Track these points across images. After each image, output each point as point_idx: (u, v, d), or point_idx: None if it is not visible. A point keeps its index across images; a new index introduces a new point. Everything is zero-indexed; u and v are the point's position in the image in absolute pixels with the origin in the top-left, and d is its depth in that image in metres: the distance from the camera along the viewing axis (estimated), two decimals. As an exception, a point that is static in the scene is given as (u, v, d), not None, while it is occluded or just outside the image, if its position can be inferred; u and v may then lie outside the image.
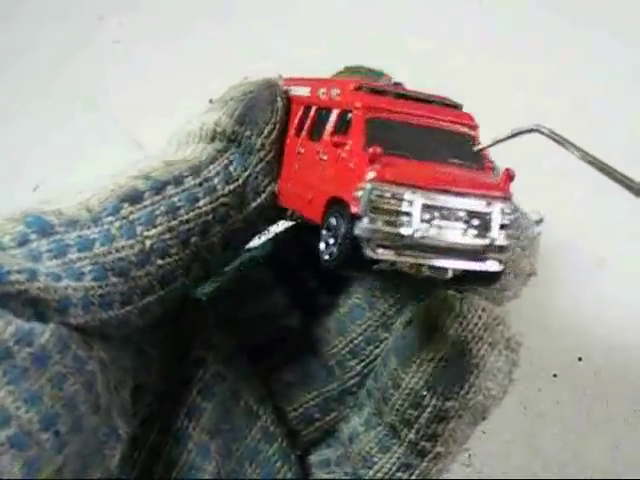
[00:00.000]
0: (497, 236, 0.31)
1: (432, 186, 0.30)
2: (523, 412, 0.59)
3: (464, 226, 0.30)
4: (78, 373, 0.31)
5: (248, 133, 0.35)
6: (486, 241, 0.31)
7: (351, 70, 0.40)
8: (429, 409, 0.33)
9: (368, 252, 0.29)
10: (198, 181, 0.34)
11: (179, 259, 0.33)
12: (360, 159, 0.30)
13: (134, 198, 0.33)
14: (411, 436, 0.34)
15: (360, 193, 0.29)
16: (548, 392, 0.60)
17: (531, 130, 0.30)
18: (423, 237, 0.30)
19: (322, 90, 0.34)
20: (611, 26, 0.68)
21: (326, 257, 0.30)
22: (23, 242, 0.31)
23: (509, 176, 0.31)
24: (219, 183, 0.34)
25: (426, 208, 0.30)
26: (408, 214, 0.29)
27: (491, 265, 0.31)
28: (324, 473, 0.38)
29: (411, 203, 0.29)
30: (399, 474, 0.35)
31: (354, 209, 0.29)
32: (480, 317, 0.32)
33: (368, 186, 0.29)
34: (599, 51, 0.67)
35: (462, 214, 0.30)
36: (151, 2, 0.78)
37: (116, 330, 0.33)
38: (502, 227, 0.31)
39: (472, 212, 0.31)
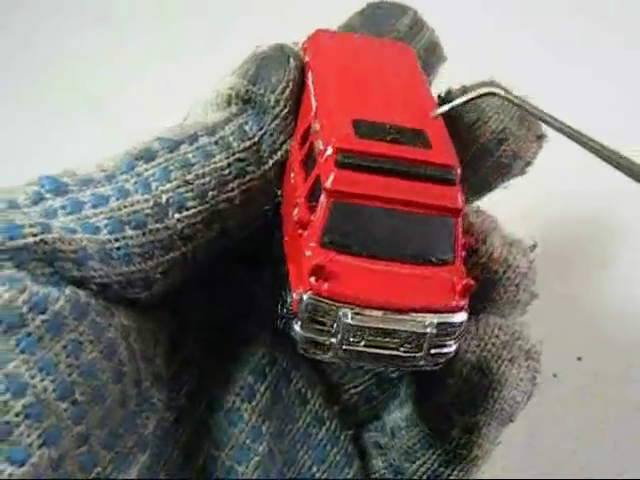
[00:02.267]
0: (430, 353, 0.30)
1: (369, 304, 0.29)
2: (523, 412, 0.59)
3: (397, 343, 0.30)
4: (97, 341, 0.30)
5: (262, 91, 0.35)
6: (420, 354, 0.30)
7: (374, 7, 0.40)
8: (459, 423, 0.34)
9: (300, 351, 0.30)
10: (213, 140, 0.34)
11: (197, 213, 0.33)
12: (308, 262, 0.29)
13: (148, 156, 0.33)
14: (446, 445, 0.34)
15: (297, 298, 0.29)
16: (548, 392, 0.60)
17: (487, 93, 0.30)
18: (352, 350, 0.30)
19: (316, 125, 0.33)
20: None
21: (279, 324, 0.33)
22: (37, 200, 0.31)
23: (466, 287, 0.30)
24: (234, 141, 0.34)
25: (358, 327, 0.30)
26: (339, 328, 0.29)
27: (428, 364, 0.31)
28: (378, 454, 0.38)
29: (344, 319, 0.29)
30: (441, 469, 0.35)
31: (294, 307, 0.30)
32: (497, 336, 0.33)
33: (304, 297, 0.29)
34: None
35: (395, 335, 0.30)
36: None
37: (141, 291, 0.33)
38: (438, 345, 0.30)
39: (406, 332, 0.30)
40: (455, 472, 0.35)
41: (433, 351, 0.30)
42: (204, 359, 0.36)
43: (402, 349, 0.30)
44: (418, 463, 0.35)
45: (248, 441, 0.35)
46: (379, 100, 0.33)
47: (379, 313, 0.29)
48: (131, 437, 0.32)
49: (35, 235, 0.29)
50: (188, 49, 0.74)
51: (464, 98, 0.31)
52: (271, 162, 0.34)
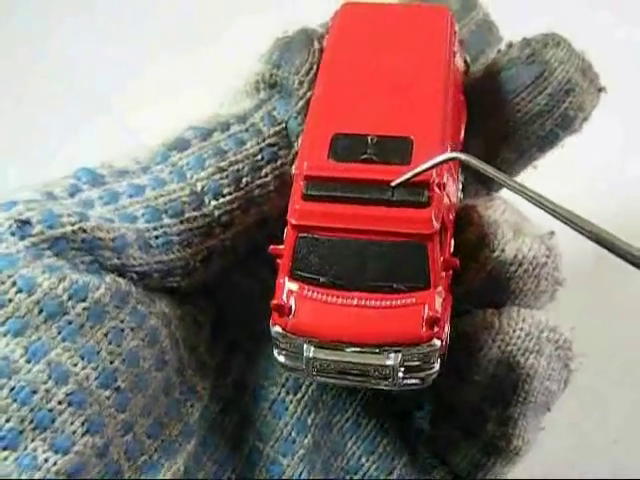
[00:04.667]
0: (402, 382, 0.30)
1: (330, 339, 0.29)
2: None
3: (363, 373, 0.30)
4: (138, 328, 0.30)
5: (285, 74, 0.35)
6: (391, 381, 0.30)
7: None
8: (492, 417, 0.33)
9: (281, 370, 0.31)
10: (244, 127, 0.34)
11: (233, 199, 0.33)
12: (275, 296, 0.30)
13: (182, 146, 0.33)
14: (483, 437, 0.34)
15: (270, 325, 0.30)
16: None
17: (451, 158, 0.29)
18: (324, 376, 0.30)
19: (298, 142, 0.33)
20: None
21: None
22: (74, 192, 0.31)
23: (428, 320, 0.29)
24: (264, 126, 0.34)
25: (320, 360, 0.30)
26: (304, 360, 0.30)
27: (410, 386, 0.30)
28: (423, 444, 0.37)
29: (306, 352, 0.30)
30: (484, 459, 0.35)
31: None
32: (522, 329, 0.32)
33: (272, 328, 0.30)
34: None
35: (360, 366, 0.30)
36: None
37: (181, 279, 0.33)
38: (405, 372, 0.30)
39: (370, 365, 0.29)
40: (498, 462, 0.34)
41: (408, 380, 0.30)
42: (249, 348, 0.36)
43: (371, 379, 0.30)
44: (461, 453, 0.35)
45: (293, 433, 0.35)
46: (378, 95, 0.32)
47: (341, 347, 0.29)
48: (176, 426, 0.31)
49: (73, 224, 0.29)
50: (191, 46, 0.73)
51: (425, 165, 0.29)
52: (297, 145, 0.34)
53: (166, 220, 0.32)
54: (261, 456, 0.35)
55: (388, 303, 0.29)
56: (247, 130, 0.34)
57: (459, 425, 0.34)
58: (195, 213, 0.32)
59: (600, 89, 0.38)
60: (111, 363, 0.29)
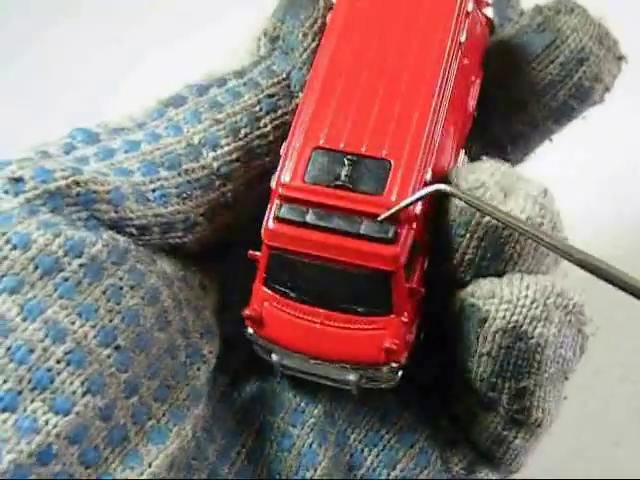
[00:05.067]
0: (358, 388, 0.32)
1: (292, 349, 0.31)
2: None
3: (327, 380, 0.32)
4: (138, 286, 0.29)
5: (290, 29, 0.35)
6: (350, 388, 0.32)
7: None
8: (505, 390, 0.31)
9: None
10: (242, 81, 0.34)
11: (232, 150, 0.32)
12: (253, 299, 0.32)
13: (178, 102, 0.33)
14: (501, 412, 0.32)
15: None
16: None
17: (437, 191, 0.29)
18: (290, 374, 0.32)
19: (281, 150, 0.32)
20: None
21: None
22: (69, 150, 0.31)
23: (387, 347, 0.30)
24: (263, 80, 0.34)
25: (285, 365, 0.32)
26: (274, 362, 0.32)
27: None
28: (445, 415, 0.35)
29: (273, 357, 0.32)
30: (505, 432, 0.33)
31: None
32: (526, 296, 0.30)
33: (247, 331, 0.32)
34: None
35: (321, 376, 0.32)
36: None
37: (183, 235, 0.32)
38: (366, 382, 0.31)
39: (329, 378, 0.31)
40: (520, 435, 0.33)
41: (369, 386, 0.31)
42: None
43: (335, 384, 0.32)
44: (481, 428, 0.33)
45: (303, 404, 0.34)
46: (367, 101, 0.31)
47: (303, 357, 0.31)
48: (184, 389, 0.30)
49: (66, 178, 0.28)
50: (184, 46, 0.73)
51: (412, 198, 0.29)
52: (301, 95, 0.33)
53: (163, 173, 0.31)
54: (272, 428, 0.34)
55: (351, 325, 0.30)
56: (245, 84, 0.34)
57: (476, 400, 0.33)
58: (193, 165, 0.32)
59: (620, 57, 0.37)
60: (110, 321, 0.28)
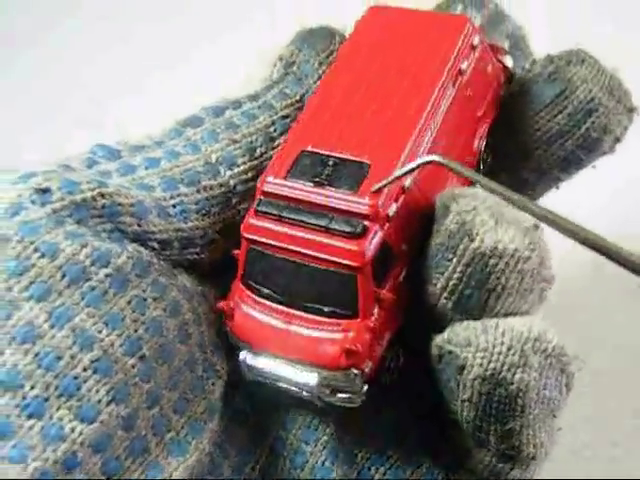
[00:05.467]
0: (320, 398, 0.31)
1: (258, 347, 0.31)
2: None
3: (289, 384, 0.31)
4: (160, 299, 0.29)
5: (306, 57, 0.36)
6: (315, 398, 0.31)
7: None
8: (492, 432, 0.30)
9: None
10: (256, 104, 0.35)
11: (248, 169, 0.34)
12: (230, 294, 0.32)
13: (195, 123, 0.34)
14: (492, 449, 0.32)
15: None
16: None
17: (429, 162, 0.30)
18: (257, 377, 0.32)
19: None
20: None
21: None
22: (91, 165, 0.31)
23: (348, 350, 0.30)
24: (276, 102, 0.35)
25: (248, 365, 0.31)
26: (241, 361, 0.32)
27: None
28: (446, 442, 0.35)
29: (243, 356, 0.32)
30: (499, 467, 0.32)
31: None
32: (502, 343, 0.29)
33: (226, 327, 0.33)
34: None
35: (284, 381, 0.31)
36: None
37: (201, 251, 0.32)
38: (330, 392, 0.31)
39: (291, 381, 0.31)
40: (516, 467, 0.32)
41: (332, 398, 0.31)
42: None
43: (298, 391, 0.31)
44: (476, 461, 0.33)
45: (315, 421, 0.34)
46: (362, 112, 0.33)
47: (268, 356, 0.31)
48: (201, 403, 0.31)
49: (92, 189, 0.29)
50: (187, 52, 0.74)
51: (404, 170, 0.29)
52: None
53: (182, 189, 0.32)
54: (284, 445, 0.34)
55: (316, 326, 0.31)
56: (259, 107, 0.35)
57: (467, 437, 0.32)
58: (211, 182, 0.33)
59: (631, 109, 0.37)
60: (135, 331, 0.28)
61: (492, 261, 0.29)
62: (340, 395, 0.31)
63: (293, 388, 0.31)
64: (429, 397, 0.33)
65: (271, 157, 0.34)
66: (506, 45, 0.37)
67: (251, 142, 0.34)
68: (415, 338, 0.32)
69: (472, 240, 0.30)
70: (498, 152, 0.37)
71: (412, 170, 0.30)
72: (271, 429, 0.34)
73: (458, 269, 0.30)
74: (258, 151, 0.34)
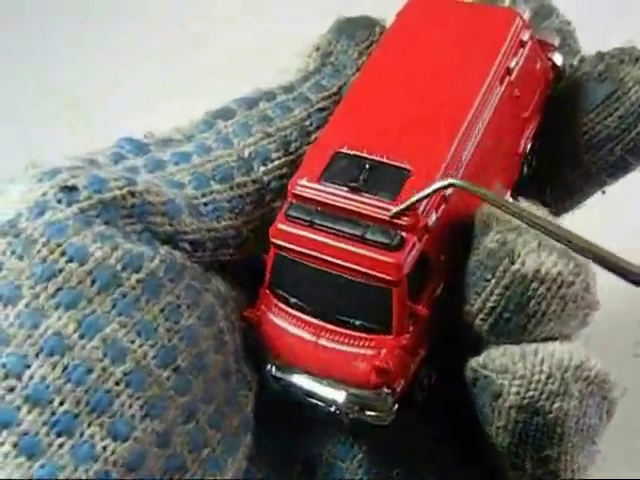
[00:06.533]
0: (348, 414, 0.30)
1: (284, 362, 0.30)
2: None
3: (318, 399, 0.30)
4: (195, 305, 0.27)
5: (344, 47, 0.35)
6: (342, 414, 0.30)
7: None
8: (528, 458, 0.29)
9: None
10: (291, 96, 0.33)
11: (283, 164, 0.32)
12: (257, 302, 0.31)
13: (226, 115, 0.32)
14: (528, 474, 0.30)
15: None
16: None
17: (448, 185, 0.28)
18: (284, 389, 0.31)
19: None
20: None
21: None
22: (118, 160, 0.29)
23: (378, 369, 0.28)
24: (312, 94, 0.33)
25: (276, 378, 0.30)
26: (268, 373, 0.31)
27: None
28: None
29: (269, 369, 0.30)
30: None
31: None
32: (541, 371, 0.28)
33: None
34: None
35: (311, 395, 0.30)
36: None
37: (234, 251, 0.31)
38: (359, 409, 0.29)
39: (320, 396, 0.30)
40: None
41: (362, 415, 0.30)
42: None
43: (326, 407, 0.30)
44: None
45: (350, 437, 0.32)
46: (401, 112, 0.31)
47: (294, 370, 0.30)
48: (235, 416, 0.29)
49: (121, 188, 0.27)
50: (171, 51, 0.73)
51: (423, 193, 0.28)
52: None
53: (215, 186, 0.30)
54: (319, 461, 0.32)
55: (346, 340, 0.29)
56: (294, 99, 0.33)
57: (502, 458, 0.30)
58: (244, 178, 0.31)
59: None
60: (169, 341, 0.26)
61: (533, 285, 0.28)
62: (369, 413, 0.29)
63: (320, 404, 0.30)
64: (463, 415, 0.31)
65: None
66: (556, 41, 0.35)
67: (285, 136, 0.32)
68: (450, 355, 0.30)
69: (513, 262, 0.28)
70: (544, 155, 0.35)
71: (429, 195, 0.28)
72: (303, 444, 0.32)
73: (496, 291, 0.28)
74: (293, 146, 0.32)
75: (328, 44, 0.35)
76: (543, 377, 0.28)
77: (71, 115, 0.70)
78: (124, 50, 0.73)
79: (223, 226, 0.30)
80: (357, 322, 0.29)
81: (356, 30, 0.35)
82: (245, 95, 0.33)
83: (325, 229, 0.29)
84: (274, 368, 0.30)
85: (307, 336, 0.29)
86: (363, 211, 0.28)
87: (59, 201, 0.26)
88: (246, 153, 0.31)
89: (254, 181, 0.31)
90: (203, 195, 0.30)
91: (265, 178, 0.31)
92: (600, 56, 0.35)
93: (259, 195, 0.31)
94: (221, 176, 0.30)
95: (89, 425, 0.24)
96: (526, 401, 0.28)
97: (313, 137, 0.32)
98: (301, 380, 0.30)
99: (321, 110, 0.33)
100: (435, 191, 0.28)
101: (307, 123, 0.33)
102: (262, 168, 0.31)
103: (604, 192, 0.37)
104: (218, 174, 0.30)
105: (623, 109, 0.34)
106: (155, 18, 0.77)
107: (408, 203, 0.28)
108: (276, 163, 0.32)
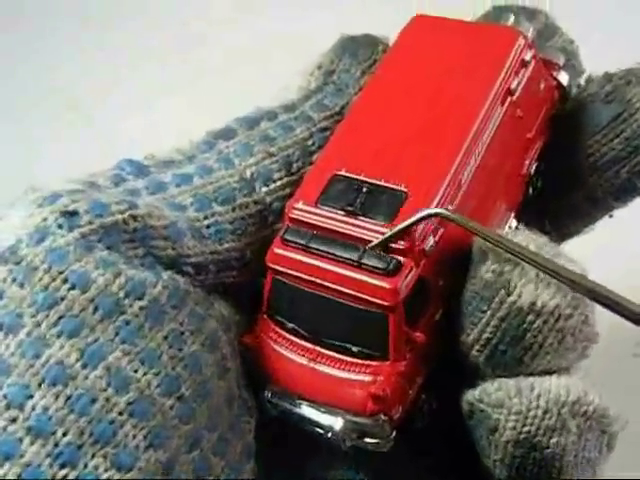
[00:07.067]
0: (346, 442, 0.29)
1: (280, 388, 0.30)
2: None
3: (314, 425, 0.30)
4: (198, 332, 0.27)
5: (346, 66, 0.34)
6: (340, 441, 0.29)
7: (500, 9, 0.36)
8: None
9: None
10: (293, 115, 0.33)
11: (285, 185, 0.31)
12: (254, 327, 0.30)
13: (227, 135, 0.32)
14: None
15: None
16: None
17: (435, 214, 0.27)
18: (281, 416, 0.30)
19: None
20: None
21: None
22: (118, 182, 0.29)
23: (375, 396, 0.28)
24: (314, 113, 0.33)
25: (272, 403, 0.30)
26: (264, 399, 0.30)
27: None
28: None
29: (266, 394, 0.30)
30: None
31: None
32: (538, 406, 0.27)
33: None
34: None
35: (307, 422, 0.30)
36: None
37: (238, 274, 0.30)
38: (357, 436, 0.29)
39: (316, 422, 0.29)
40: None
41: (359, 442, 0.29)
42: None
43: (323, 434, 0.29)
44: None
45: (354, 464, 0.32)
46: (400, 135, 0.30)
47: (291, 396, 0.29)
48: (239, 442, 0.28)
49: (123, 212, 0.27)
50: (171, 51, 0.73)
51: (405, 223, 0.27)
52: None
53: (217, 208, 0.30)
54: None
55: (342, 366, 0.29)
56: (296, 118, 0.33)
57: None
58: (246, 200, 0.31)
59: None
60: (173, 369, 0.26)
61: (530, 317, 0.27)
62: (367, 440, 0.29)
63: (318, 430, 0.29)
64: (465, 442, 0.31)
65: None
66: (561, 60, 0.35)
67: (288, 156, 0.32)
68: (450, 382, 0.30)
69: (509, 293, 0.27)
70: (549, 176, 0.35)
71: (412, 225, 0.27)
72: (308, 469, 0.32)
73: (492, 323, 0.28)
74: (295, 166, 0.32)
75: (330, 62, 0.35)
76: (539, 412, 0.27)
77: (71, 115, 0.70)
78: (124, 50, 0.73)
79: (226, 248, 0.30)
80: (354, 348, 0.29)
81: (359, 48, 0.35)
82: (246, 115, 0.33)
83: (321, 253, 0.28)
84: (270, 394, 0.30)
85: (304, 362, 0.29)
86: (359, 235, 0.28)
87: (60, 226, 0.26)
88: (248, 173, 0.31)
89: (256, 202, 0.31)
90: (205, 217, 0.29)
91: (267, 199, 0.31)
92: (608, 77, 0.35)
93: (261, 216, 0.31)
94: (223, 198, 0.30)
95: (93, 456, 0.24)
96: (522, 436, 0.27)
97: (315, 157, 0.32)
98: (298, 406, 0.29)
99: (323, 130, 0.33)
100: (418, 220, 0.27)
101: (309, 143, 0.32)
102: (264, 189, 0.31)
103: (611, 216, 0.36)
104: (220, 195, 0.30)
105: (630, 131, 0.34)
106: (155, 18, 0.77)
107: (386, 237, 0.27)
108: (278, 183, 0.31)
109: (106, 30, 0.75)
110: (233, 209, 0.30)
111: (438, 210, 0.27)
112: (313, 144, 0.32)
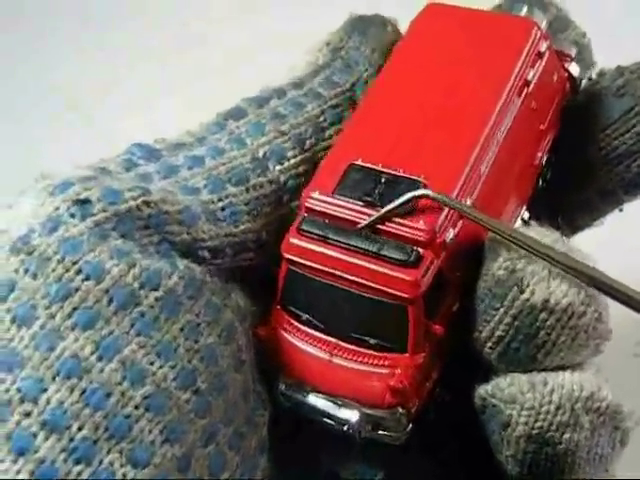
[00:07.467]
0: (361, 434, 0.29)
1: (295, 380, 0.29)
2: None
3: (327, 418, 0.29)
4: (214, 323, 0.26)
5: (356, 43, 0.34)
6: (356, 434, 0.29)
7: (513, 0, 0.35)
8: None
9: None
10: (302, 92, 0.32)
11: (299, 162, 0.31)
12: (269, 319, 0.30)
13: (237, 115, 0.31)
14: None
15: None
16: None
17: (421, 196, 0.27)
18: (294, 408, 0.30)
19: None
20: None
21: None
22: (130, 167, 0.28)
23: (394, 388, 0.27)
24: (324, 90, 0.32)
25: (286, 396, 0.29)
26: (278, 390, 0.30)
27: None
28: None
29: (279, 386, 0.29)
30: None
31: None
32: (551, 402, 0.27)
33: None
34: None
35: (321, 414, 0.29)
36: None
37: (255, 256, 0.30)
38: (372, 428, 0.29)
39: (331, 415, 0.29)
40: None
41: (374, 435, 0.29)
42: None
43: (338, 426, 0.29)
44: None
45: (367, 460, 0.31)
46: (417, 124, 0.30)
47: (307, 388, 0.29)
48: (253, 436, 0.28)
49: (136, 198, 0.26)
50: (171, 51, 0.73)
51: (392, 205, 0.27)
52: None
53: (231, 189, 0.29)
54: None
55: (360, 358, 0.28)
56: (305, 94, 0.32)
57: None
58: (260, 179, 0.30)
59: None
60: (189, 362, 0.25)
61: (542, 315, 0.27)
62: (382, 432, 0.28)
63: (333, 423, 0.29)
64: (477, 436, 0.30)
65: (322, 150, 0.31)
66: (573, 52, 0.34)
67: (300, 133, 0.31)
68: (463, 376, 0.30)
69: (522, 291, 0.27)
70: (559, 169, 0.35)
71: (401, 205, 0.27)
72: (322, 464, 0.32)
73: (505, 320, 0.27)
74: (308, 143, 0.31)
75: (339, 40, 0.34)
76: (552, 408, 0.27)
77: (71, 115, 0.69)
78: (124, 50, 0.73)
79: (242, 230, 0.29)
80: (371, 340, 0.28)
81: (368, 27, 0.34)
82: (255, 94, 0.32)
83: (339, 244, 0.28)
84: (284, 386, 0.29)
85: (320, 354, 0.29)
86: (378, 226, 0.28)
87: (72, 215, 0.25)
88: (260, 153, 0.30)
89: (270, 181, 0.30)
90: (219, 199, 0.29)
91: (281, 178, 0.31)
92: (620, 71, 0.34)
93: (276, 196, 0.30)
94: (236, 179, 0.30)
95: (108, 452, 0.23)
96: (535, 432, 0.27)
97: (328, 133, 0.32)
98: (313, 399, 0.29)
99: (334, 107, 0.32)
100: (408, 201, 0.27)
101: (321, 119, 0.32)
102: (278, 167, 0.31)
103: (621, 210, 0.36)
104: (233, 177, 0.30)
105: None
106: (155, 18, 0.76)
107: (373, 218, 0.27)
108: (292, 162, 0.31)
109: (106, 30, 0.75)
110: (247, 190, 0.30)
111: (424, 191, 0.27)
112: (325, 120, 0.32)
